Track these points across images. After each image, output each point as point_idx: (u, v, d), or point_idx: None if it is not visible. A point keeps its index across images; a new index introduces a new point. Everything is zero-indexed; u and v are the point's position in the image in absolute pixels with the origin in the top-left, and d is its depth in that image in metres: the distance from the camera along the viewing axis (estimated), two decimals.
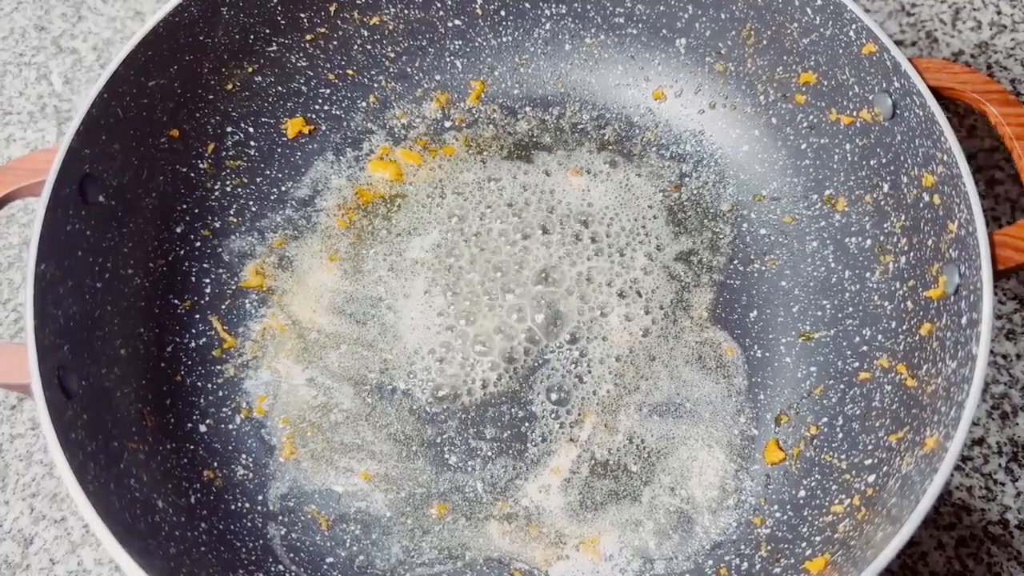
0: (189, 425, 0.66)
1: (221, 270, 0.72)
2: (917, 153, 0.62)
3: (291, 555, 0.63)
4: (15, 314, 0.76)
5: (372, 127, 0.78)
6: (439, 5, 0.76)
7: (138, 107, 0.66)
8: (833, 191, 0.70)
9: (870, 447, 0.61)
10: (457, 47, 0.78)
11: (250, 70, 0.73)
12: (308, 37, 0.74)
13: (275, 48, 0.74)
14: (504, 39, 0.78)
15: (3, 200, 0.61)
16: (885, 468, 0.59)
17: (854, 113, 0.67)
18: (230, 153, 0.74)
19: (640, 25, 0.76)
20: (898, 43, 0.86)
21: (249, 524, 0.64)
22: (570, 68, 0.79)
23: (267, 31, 0.73)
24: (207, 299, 0.71)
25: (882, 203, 0.66)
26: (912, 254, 0.63)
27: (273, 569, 0.62)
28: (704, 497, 0.64)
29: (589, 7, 0.76)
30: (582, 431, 0.67)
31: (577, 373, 0.69)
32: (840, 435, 0.64)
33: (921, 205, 0.62)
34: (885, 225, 0.66)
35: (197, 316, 0.70)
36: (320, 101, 0.77)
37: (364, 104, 0.78)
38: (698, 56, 0.76)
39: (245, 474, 0.66)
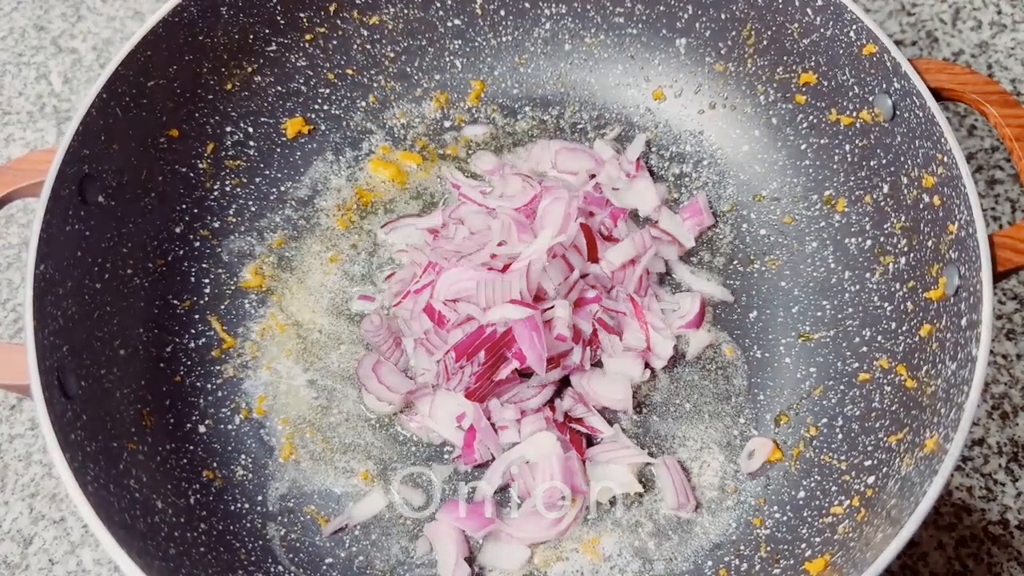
0: (188, 426, 0.66)
1: (220, 270, 0.72)
2: (917, 154, 0.62)
3: (290, 556, 0.63)
4: (14, 314, 0.76)
5: (372, 127, 0.78)
6: (439, 5, 0.76)
7: (137, 107, 0.66)
8: (833, 192, 0.70)
9: (870, 448, 0.61)
10: (457, 47, 0.78)
11: (249, 70, 0.73)
12: (308, 37, 0.74)
13: (274, 48, 0.73)
14: (504, 39, 0.78)
15: (2, 200, 0.61)
16: (885, 469, 0.59)
17: (854, 114, 0.67)
18: (229, 153, 0.74)
19: (640, 25, 0.76)
20: (898, 43, 0.86)
21: (248, 525, 0.64)
22: (570, 68, 0.79)
23: (266, 31, 0.72)
24: (206, 299, 0.71)
25: (882, 204, 0.66)
26: (912, 255, 0.63)
27: (272, 570, 0.62)
28: (703, 498, 0.64)
29: (589, 7, 0.76)
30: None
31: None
32: (840, 436, 0.64)
33: (921, 206, 0.62)
34: (885, 226, 0.66)
35: (196, 316, 0.70)
36: (320, 101, 0.77)
37: (364, 104, 0.78)
38: (698, 56, 0.75)
39: (244, 475, 0.66)
